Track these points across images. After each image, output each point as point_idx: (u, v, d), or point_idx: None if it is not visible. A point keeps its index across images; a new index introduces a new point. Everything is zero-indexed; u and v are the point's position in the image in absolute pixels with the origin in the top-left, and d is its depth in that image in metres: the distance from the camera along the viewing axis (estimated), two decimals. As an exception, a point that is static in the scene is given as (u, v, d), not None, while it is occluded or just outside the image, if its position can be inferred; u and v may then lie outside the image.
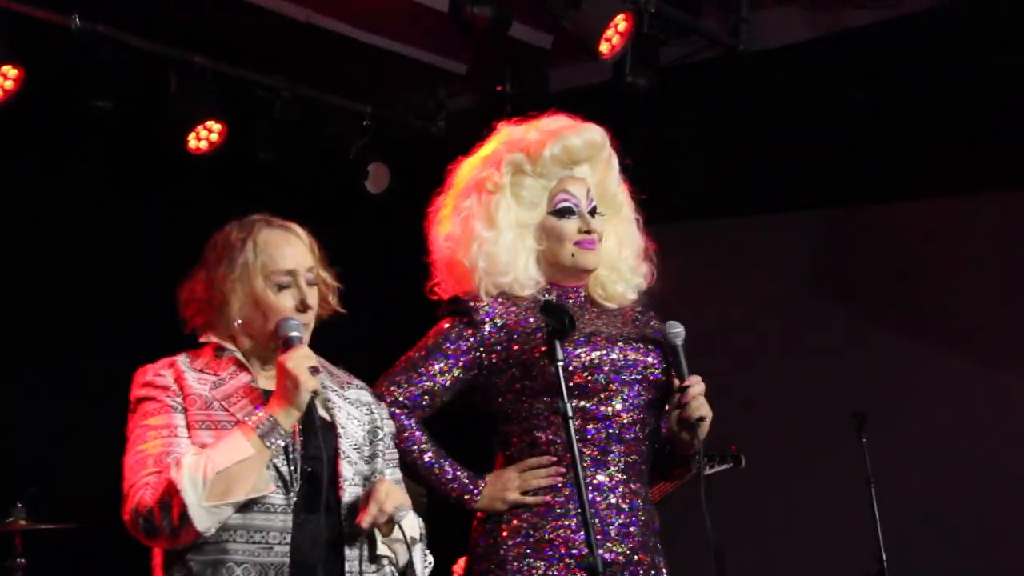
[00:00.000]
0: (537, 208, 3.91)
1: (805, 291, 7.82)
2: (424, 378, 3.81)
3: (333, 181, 8.08)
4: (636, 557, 3.79)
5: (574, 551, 3.69)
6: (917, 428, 7.34)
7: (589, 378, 3.74)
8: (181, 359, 3.43)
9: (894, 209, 7.68)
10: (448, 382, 3.82)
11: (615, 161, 4.03)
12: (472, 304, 3.84)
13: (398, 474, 3.63)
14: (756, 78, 7.47)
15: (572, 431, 3.30)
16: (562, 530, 3.72)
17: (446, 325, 3.87)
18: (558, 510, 3.74)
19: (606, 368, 3.76)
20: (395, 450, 3.65)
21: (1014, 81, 6.79)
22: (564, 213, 3.90)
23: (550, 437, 3.77)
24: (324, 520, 3.30)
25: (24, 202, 6.95)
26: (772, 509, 6.92)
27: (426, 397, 3.82)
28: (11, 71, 6.49)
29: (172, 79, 7.20)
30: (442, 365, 3.81)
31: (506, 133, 3.99)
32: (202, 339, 3.49)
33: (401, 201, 8.02)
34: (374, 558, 3.40)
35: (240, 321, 3.42)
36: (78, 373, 6.81)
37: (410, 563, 3.48)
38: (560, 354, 3.33)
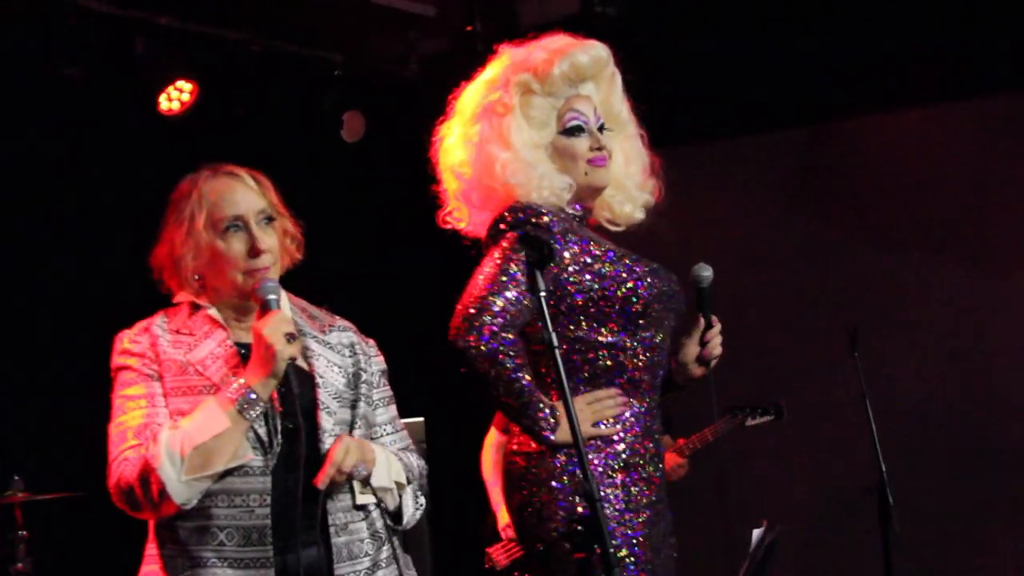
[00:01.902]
0: (547, 128, 3.88)
1: (791, 210, 7.82)
2: (515, 294, 3.62)
3: (309, 133, 8.04)
4: (664, 476, 3.87)
5: (648, 470, 3.75)
6: (909, 339, 7.36)
7: (651, 308, 3.75)
8: (158, 321, 3.40)
9: (875, 122, 7.67)
10: (527, 311, 3.66)
11: (619, 78, 4.02)
12: (532, 209, 3.75)
13: (392, 412, 3.60)
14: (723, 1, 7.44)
15: (560, 362, 3.24)
16: (638, 454, 3.74)
17: (511, 239, 3.71)
18: (629, 437, 3.75)
19: (663, 297, 3.79)
20: (386, 388, 3.59)
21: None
22: (575, 131, 3.88)
23: (617, 367, 3.76)
24: (305, 476, 3.26)
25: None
26: (770, 428, 6.93)
27: (520, 315, 3.63)
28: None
29: (139, 41, 7.13)
30: (520, 279, 3.63)
31: (509, 55, 3.95)
32: (175, 299, 3.46)
33: (378, 148, 7.99)
34: (357, 507, 3.38)
35: (198, 276, 3.40)
36: (70, 340, 6.79)
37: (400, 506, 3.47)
38: (541, 284, 3.28)
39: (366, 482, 3.35)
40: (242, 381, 3.22)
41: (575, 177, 3.87)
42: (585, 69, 3.89)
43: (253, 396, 3.19)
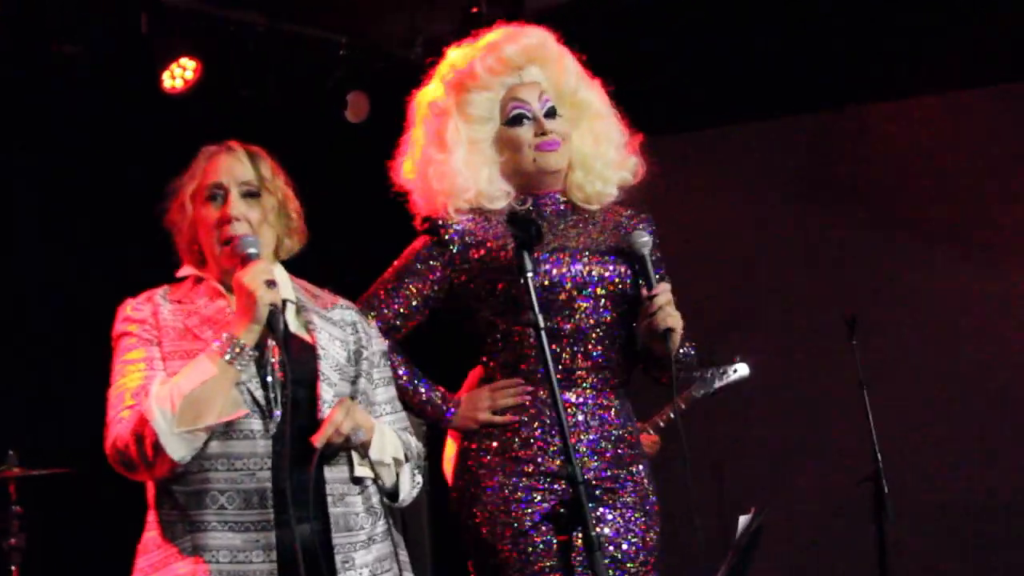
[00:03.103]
0: (491, 122, 3.90)
1: (794, 197, 7.81)
2: (397, 300, 3.87)
3: (312, 113, 8.02)
4: (609, 472, 3.82)
5: (543, 468, 3.74)
6: (908, 329, 7.36)
7: (550, 295, 3.74)
8: (160, 292, 3.44)
9: (881, 109, 7.66)
10: (419, 303, 3.88)
11: (568, 60, 4.00)
12: (441, 223, 3.86)
13: (391, 392, 3.62)
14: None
15: (545, 343, 3.29)
16: (532, 446, 3.76)
17: (418, 245, 3.92)
18: (523, 429, 3.78)
19: (567, 284, 3.77)
20: (387, 369, 3.63)
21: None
22: (516, 121, 3.89)
23: (522, 355, 3.80)
24: (304, 444, 3.26)
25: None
26: (768, 415, 6.94)
27: (399, 320, 3.87)
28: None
29: (143, 19, 7.12)
30: (413, 286, 3.87)
31: (449, 57, 4.01)
32: (179, 272, 3.50)
33: (382, 129, 7.98)
34: (355, 480, 3.38)
35: (195, 247, 3.45)
36: (68, 315, 6.78)
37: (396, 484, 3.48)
38: (529, 265, 3.32)
39: (364, 454, 3.36)
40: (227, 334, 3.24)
41: (524, 166, 3.89)
42: (515, 58, 3.89)
43: (236, 342, 3.20)
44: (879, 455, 6.06)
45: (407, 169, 4.00)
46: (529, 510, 3.72)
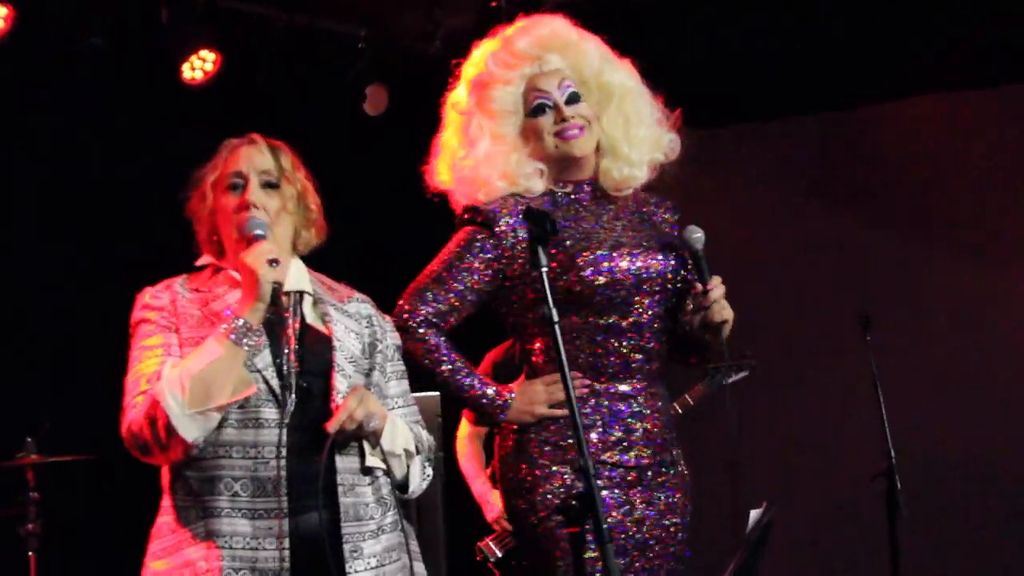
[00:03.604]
0: (514, 115, 3.91)
1: (806, 195, 7.83)
2: (451, 293, 3.82)
3: (331, 105, 8.05)
4: (659, 457, 3.87)
5: (601, 457, 3.77)
6: (921, 326, 7.37)
7: (611, 292, 3.77)
8: (179, 281, 3.48)
9: (894, 109, 7.67)
10: (472, 295, 3.85)
11: (588, 43, 3.99)
12: (492, 213, 3.84)
13: (404, 386, 3.64)
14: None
15: (559, 337, 3.28)
16: (595, 436, 3.78)
17: (468, 235, 3.86)
18: (586, 421, 3.78)
19: (629, 281, 3.79)
20: (399, 363, 3.65)
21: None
22: (538, 111, 3.90)
23: (578, 349, 3.80)
24: (318, 433, 3.29)
25: (20, 138, 6.95)
26: (782, 411, 6.96)
27: (454, 314, 3.84)
28: (1, 10, 6.45)
29: (164, 10, 7.15)
30: (466, 278, 3.83)
31: (473, 55, 4.01)
32: (198, 262, 3.54)
33: (401, 122, 8.00)
34: (365, 470, 3.41)
35: (216, 236, 3.49)
36: (85, 304, 6.82)
37: (407, 475, 3.51)
38: (543, 259, 3.31)
39: (375, 443, 3.38)
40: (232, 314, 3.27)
41: (548, 152, 3.89)
42: (527, 51, 3.90)
43: (243, 323, 3.23)
44: (892, 452, 6.07)
45: (440, 171, 4.00)
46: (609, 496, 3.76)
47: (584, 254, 3.78)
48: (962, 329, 7.37)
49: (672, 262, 3.88)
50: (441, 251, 3.90)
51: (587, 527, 3.16)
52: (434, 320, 3.79)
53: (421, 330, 3.78)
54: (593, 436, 3.77)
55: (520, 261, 3.82)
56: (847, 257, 7.66)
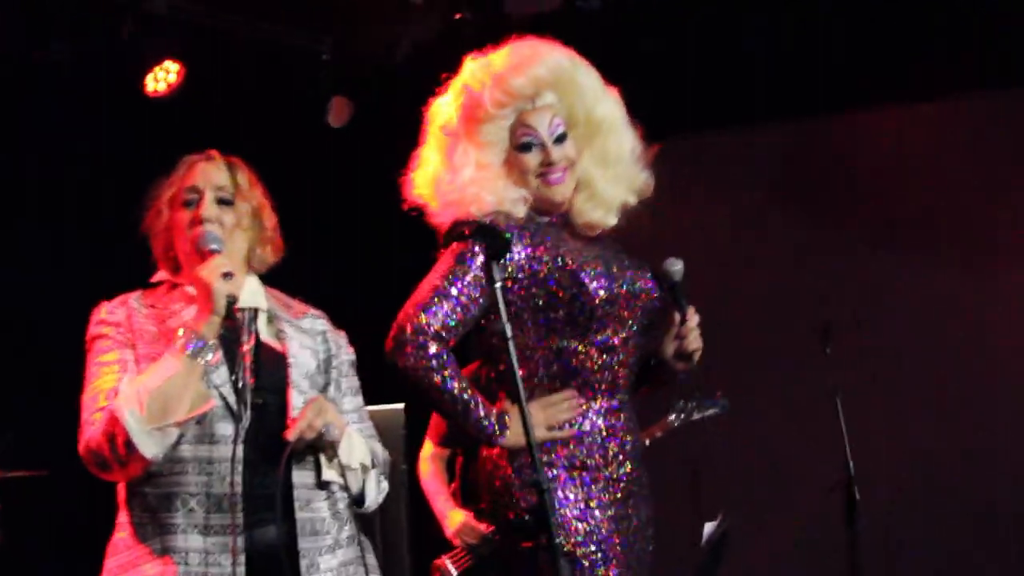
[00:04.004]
0: (499, 145, 3.87)
1: (771, 205, 7.85)
2: (458, 307, 3.69)
3: (294, 118, 8.04)
4: (639, 469, 3.89)
5: (608, 469, 3.78)
6: (883, 337, 7.40)
7: (610, 309, 3.77)
8: (134, 297, 3.48)
9: (851, 119, 7.70)
10: (476, 311, 3.74)
11: (585, 80, 3.92)
12: (493, 226, 3.70)
13: (359, 402, 3.64)
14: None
15: (514, 353, 3.28)
16: (597, 454, 3.78)
17: (468, 249, 3.75)
18: (586, 440, 3.78)
19: (623, 298, 3.80)
20: (354, 378, 3.65)
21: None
22: (525, 148, 3.86)
23: (576, 371, 3.79)
24: (274, 449, 3.30)
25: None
26: (742, 421, 6.96)
27: (460, 327, 3.72)
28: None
29: (127, 22, 7.14)
30: (471, 292, 3.71)
31: (466, 72, 3.93)
32: (153, 278, 3.55)
33: (365, 134, 8.00)
34: (321, 484, 3.42)
35: (171, 253, 3.50)
36: (43, 319, 6.79)
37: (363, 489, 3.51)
38: (497, 275, 3.31)
39: (332, 455, 3.39)
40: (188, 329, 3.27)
41: (528, 189, 3.86)
42: (522, 89, 3.83)
43: (198, 337, 3.23)
44: (851, 462, 6.10)
45: (419, 184, 3.94)
46: (610, 513, 3.75)
47: (587, 268, 3.78)
48: (924, 339, 7.40)
49: (651, 281, 3.90)
50: (437, 265, 3.81)
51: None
52: (443, 334, 3.69)
53: (432, 345, 3.66)
54: (597, 453, 3.77)
55: (521, 277, 3.77)
56: (813, 266, 7.68)
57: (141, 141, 7.14)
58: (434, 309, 3.68)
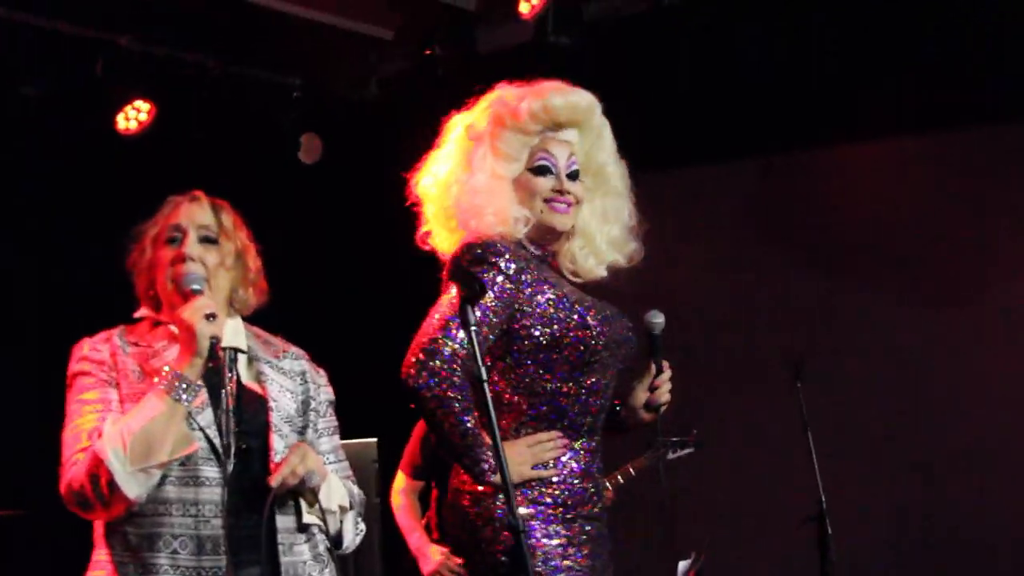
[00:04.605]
0: (516, 163, 3.89)
1: (740, 241, 7.88)
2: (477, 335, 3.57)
3: (266, 154, 8.06)
4: (604, 511, 3.90)
5: (585, 509, 3.78)
6: (853, 371, 7.43)
7: (601, 352, 3.77)
8: (117, 333, 3.46)
9: (823, 155, 7.74)
10: (488, 337, 3.69)
11: (607, 132, 4.00)
12: (495, 253, 3.73)
13: (336, 442, 3.65)
14: (680, 30, 7.49)
15: (488, 397, 3.24)
16: (577, 494, 3.78)
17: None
18: (568, 479, 3.77)
19: (614, 342, 3.82)
20: (332, 418, 3.65)
21: (938, 26, 6.87)
22: (540, 171, 3.88)
23: (564, 410, 3.78)
24: (257, 492, 3.30)
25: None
26: (715, 457, 6.98)
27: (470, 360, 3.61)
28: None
29: (98, 61, 7.16)
30: (486, 318, 3.65)
31: (498, 91, 3.97)
32: (136, 314, 3.53)
33: (336, 170, 8.03)
34: (302, 527, 3.42)
35: (151, 292, 3.48)
36: (16, 359, 6.78)
37: (340, 531, 3.51)
38: (472, 318, 3.27)
39: (312, 500, 3.39)
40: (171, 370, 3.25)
41: (533, 213, 3.87)
42: (558, 112, 3.87)
43: (179, 377, 3.22)
44: (823, 496, 6.12)
45: (431, 183, 3.95)
46: (585, 551, 3.75)
47: (592, 312, 3.78)
48: (897, 374, 7.43)
49: (631, 331, 3.92)
50: (442, 301, 3.74)
51: None
52: (461, 361, 3.63)
53: (457, 375, 3.62)
54: (577, 493, 3.77)
55: (525, 297, 3.74)
56: (783, 301, 7.71)
57: (112, 178, 7.16)
58: (445, 342, 3.62)
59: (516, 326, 3.74)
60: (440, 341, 3.62)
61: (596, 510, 3.83)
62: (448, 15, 7.66)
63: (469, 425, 3.64)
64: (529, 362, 3.76)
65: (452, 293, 3.69)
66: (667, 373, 3.92)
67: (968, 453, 7.20)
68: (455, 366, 3.62)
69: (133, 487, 3.17)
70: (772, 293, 7.76)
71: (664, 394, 3.92)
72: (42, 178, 7.21)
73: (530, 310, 3.74)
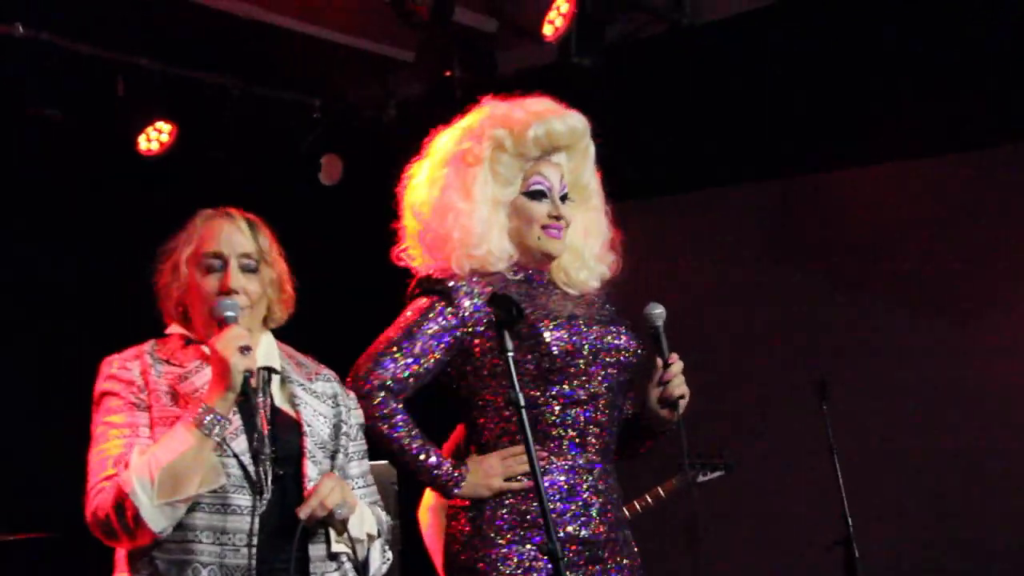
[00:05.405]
0: (511, 187, 3.89)
1: (762, 262, 7.86)
2: (409, 359, 3.75)
3: (286, 176, 8.07)
4: (613, 535, 3.83)
5: (566, 529, 3.73)
6: (878, 392, 7.39)
7: (570, 361, 3.76)
8: (148, 348, 3.42)
9: (847, 176, 7.72)
10: (432, 364, 3.78)
11: (592, 151, 4.02)
12: (450, 282, 3.80)
13: (365, 466, 3.62)
14: (702, 51, 7.49)
15: (526, 421, 3.28)
16: (552, 512, 3.72)
17: (424, 303, 3.81)
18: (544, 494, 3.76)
19: (585, 351, 3.79)
20: (362, 442, 3.62)
21: (954, 51, 6.86)
22: (536, 195, 3.89)
23: (531, 421, 3.69)
24: (288, 521, 3.27)
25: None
26: (741, 480, 6.95)
27: (411, 380, 3.76)
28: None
29: (120, 82, 7.18)
30: (425, 346, 3.76)
31: (490, 108, 3.95)
32: (167, 330, 3.49)
33: (356, 191, 8.03)
34: (331, 556, 3.39)
35: (182, 307, 3.45)
36: (45, 380, 6.78)
37: (367, 559, 3.49)
38: (509, 344, 3.30)
39: (341, 530, 3.36)
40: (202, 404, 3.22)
41: (528, 240, 3.90)
42: (559, 138, 3.89)
43: (213, 413, 3.19)
44: (850, 520, 6.08)
45: (419, 202, 3.92)
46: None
47: (545, 321, 3.77)
48: (921, 391, 7.39)
49: (626, 337, 3.90)
50: (397, 319, 3.84)
51: None
52: (392, 386, 3.73)
53: (378, 396, 3.72)
54: (552, 512, 3.72)
55: (480, 336, 3.78)
56: (807, 322, 7.68)
57: (134, 199, 7.18)
58: (384, 360, 3.75)
59: (473, 351, 3.80)
60: (383, 359, 3.75)
61: (588, 533, 3.76)
62: (468, 37, 7.67)
63: (405, 443, 3.75)
64: (490, 379, 3.80)
65: (407, 314, 3.81)
66: (677, 365, 3.86)
67: (1001, 476, 7.15)
68: (396, 384, 3.74)
69: (160, 521, 3.15)
70: (797, 314, 7.73)
71: (677, 387, 3.84)
72: (64, 200, 7.22)
73: (482, 329, 3.77)
